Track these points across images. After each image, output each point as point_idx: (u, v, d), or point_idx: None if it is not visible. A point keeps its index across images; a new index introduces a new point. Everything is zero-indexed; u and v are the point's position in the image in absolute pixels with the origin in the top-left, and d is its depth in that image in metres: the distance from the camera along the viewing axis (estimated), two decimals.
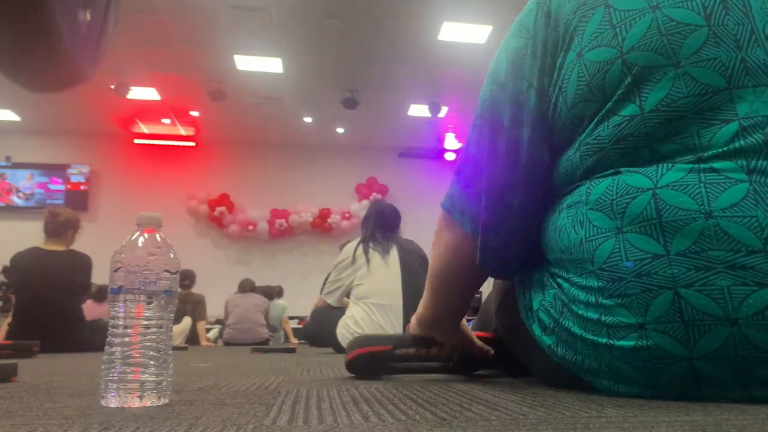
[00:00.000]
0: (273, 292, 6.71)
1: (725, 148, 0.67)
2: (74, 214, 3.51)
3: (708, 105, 0.68)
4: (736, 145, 0.66)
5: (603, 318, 0.71)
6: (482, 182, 0.85)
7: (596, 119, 0.74)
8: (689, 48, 0.69)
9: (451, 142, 9.13)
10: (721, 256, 0.64)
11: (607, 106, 0.73)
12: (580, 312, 0.74)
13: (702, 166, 0.67)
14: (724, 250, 0.64)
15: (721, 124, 0.67)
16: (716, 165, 0.67)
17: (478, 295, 8.40)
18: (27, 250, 3.36)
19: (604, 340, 0.71)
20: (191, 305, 5.43)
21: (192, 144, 9.06)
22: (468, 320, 1.40)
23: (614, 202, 0.71)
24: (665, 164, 0.69)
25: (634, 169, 0.71)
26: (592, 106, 0.74)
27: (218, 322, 6.61)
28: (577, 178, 0.78)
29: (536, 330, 0.84)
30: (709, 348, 0.65)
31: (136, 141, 8.95)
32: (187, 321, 5.28)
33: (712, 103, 0.68)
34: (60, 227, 3.38)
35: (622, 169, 0.72)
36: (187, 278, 5.60)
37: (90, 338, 3.17)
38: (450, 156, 9.46)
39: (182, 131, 8.86)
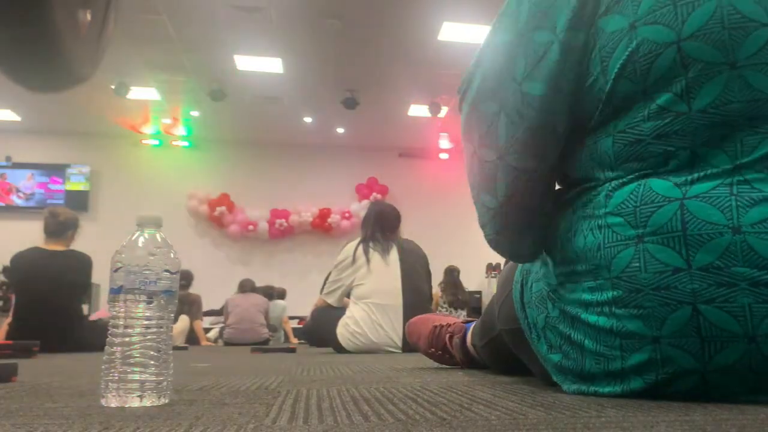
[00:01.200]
0: (274, 293, 6.71)
1: (764, 160, 0.64)
2: (74, 213, 3.52)
3: (757, 113, 0.64)
4: None
5: (616, 327, 0.69)
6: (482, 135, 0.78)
7: (636, 106, 0.68)
8: (749, 48, 0.63)
9: (446, 142, 9.16)
10: (745, 272, 0.62)
11: (650, 93, 0.67)
12: (592, 320, 0.72)
13: (736, 177, 0.64)
14: (749, 266, 0.62)
15: (767, 134, 0.64)
16: (750, 176, 0.64)
17: (478, 296, 8.37)
18: (27, 250, 3.36)
19: (617, 353, 0.69)
20: (187, 306, 5.44)
21: (191, 144, 9.06)
22: (467, 321, 1.40)
23: (638, 209, 0.67)
24: (697, 172, 0.66)
25: (664, 175, 0.67)
26: (633, 87, 0.68)
27: (212, 313, 6.59)
28: (603, 167, 0.72)
29: (543, 348, 0.82)
30: (724, 363, 0.64)
31: (143, 142, 8.95)
32: (184, 320, 5.28)
33: (761, 111, 0.64)
34: (61, 227, 3.39)
35: (651, 176, 0.68)
36: (183, 278, 5.61)
37: (90, 338, 3.17)
38: (444, 156, 9.46)
39: (182, 131, 8.86)
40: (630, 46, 0.67)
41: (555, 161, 0.78)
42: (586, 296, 0.73)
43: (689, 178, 0.66)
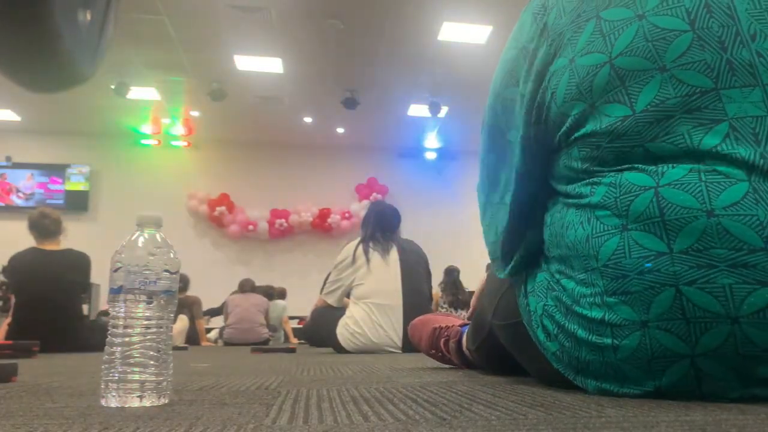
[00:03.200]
0: (274, 293, 6.70)
1: (719, 148, 0.68)
2: (58, 212, 3.53)
3: (696, 105, 0.70)
4: (729, 144, 0.68)
5: (607, 316, 0.72)
6: (485, 182, 0.94)
7: (588, 119, 0.76)
8: (674, 52, 0.71)
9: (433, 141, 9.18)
10: (723, 254, 0.65)
11: (596, 105, 0.75)
12: (584, 312, 0.74)
13: (701, 166, 0.68)
14: (726, 248, 0.65)
15: (711, 124, 0.69)
16: (712, 164, 0.68)
17: None
18: (26, 250, 3.36)
19: (608, 341, 0.72)
20: (187, 308, 5.43)
21: (191, 144, 9.06)
22: (464, 325, 1.40)
23: (618, 200, 0.72)
24: (663, 165, 0.70)
25: (637, 167, 0.72)
26: (580, 105, 0.76)
27: (211, 312, 6.58)
28: (578, 176, 0.79)
29: (541, 335, 0.84)
30: (711, 346, 0.66)
31: (143, 142, 8.96)
32: (183, 320, 5.27)
33: (700, 104, 0.70)
34: (56, 226, 3.40)
35: (624, 167, 0.73)
36: (179, 281, 5.59)
37: (90, 338, 3.17)
38: (431, 155, 9.47)
39: (182, 131, 8.86)
40: (572, 74, 0.78)
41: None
42: (579, 289, 0.76)
43: (658, 168, 0.71)
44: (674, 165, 0.70)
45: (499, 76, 0.90)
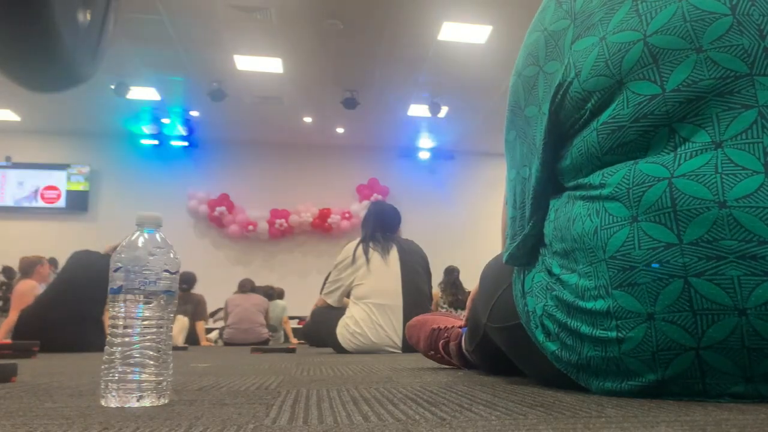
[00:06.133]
0: (274, 293, 6.71)
1: (743, 135, 0.68)
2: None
3: (729, 89, 0.69)
4: (754, 131, 0.67)
5: (612, 309, 0.71)
6: (506, 158, 0.94)
7: (615, 99, 0.75)
8: (712, 34, 0.71)
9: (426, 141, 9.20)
10: (733, 245, 0.65)
11: (625, 82, 0.74)
12: (589, 306, 0.74)
13: (719, 155, 0.68)
14: (736, 239, 0.64)
15: (741, 109, 0.69)
16: (731, 152, 0.67)
17: None
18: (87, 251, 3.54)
19: (613, 334, 0.71)
20: (191, 305, 5.42)
21: (191, 144, 9.06)
22: (462, 327, 1.40)
23: (630, 190, 0.71)
24: (682, 153, 0.70)
25: (651, 159, 0.71)
26: (606, 81, 0.75)
27: (211, 314, 6.57)
28: (592, 161, 0.77)
29: (540, 336, 0.83)
30: (717, 338, 0.65)
31: (143, 142, 8.95)
32: (182, 320, 5.26)
33: (733, 88, 0.69)
34: None
35: (639, 160, 0.72)
36: (185, 281, 5.58)
37: (96, 338, 3.19)
38: (424, 155, 9.49)
39: (182, 131, 8.86)
40: (601, 51, 0.76)
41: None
42: (583, 282, 0.75)
43: (674, 160, 0.70)
44: (693, 153, 0.69)
45: (521, 58, 0.90)
